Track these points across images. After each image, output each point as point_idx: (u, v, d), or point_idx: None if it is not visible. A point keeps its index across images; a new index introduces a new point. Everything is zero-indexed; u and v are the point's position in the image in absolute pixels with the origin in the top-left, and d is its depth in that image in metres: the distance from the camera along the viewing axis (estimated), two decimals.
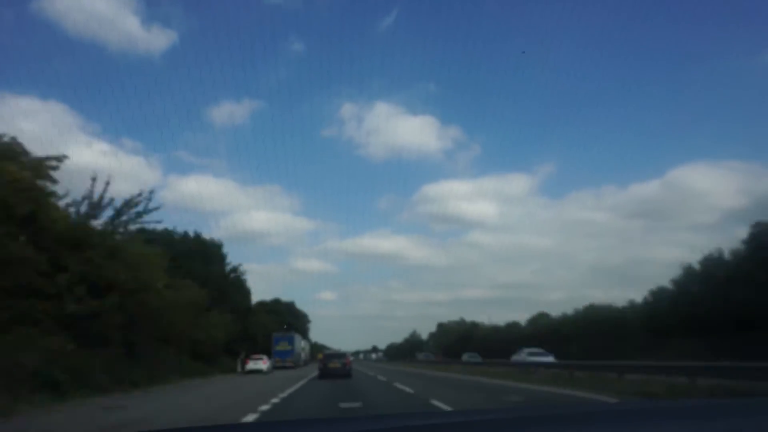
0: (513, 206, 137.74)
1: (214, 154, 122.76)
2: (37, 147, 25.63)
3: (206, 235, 48.48)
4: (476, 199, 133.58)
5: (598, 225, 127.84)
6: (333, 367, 27.45)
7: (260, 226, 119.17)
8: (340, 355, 29.72)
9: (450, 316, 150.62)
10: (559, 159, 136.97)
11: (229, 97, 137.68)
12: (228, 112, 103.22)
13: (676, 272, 37.64)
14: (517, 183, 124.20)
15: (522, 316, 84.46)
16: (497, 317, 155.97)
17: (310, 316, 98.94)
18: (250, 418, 10.33)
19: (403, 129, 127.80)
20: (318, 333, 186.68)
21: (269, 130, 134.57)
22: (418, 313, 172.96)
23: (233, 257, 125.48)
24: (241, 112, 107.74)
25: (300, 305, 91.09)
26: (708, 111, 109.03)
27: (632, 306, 45.16)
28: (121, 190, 62.55)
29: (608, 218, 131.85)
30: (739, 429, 1.73)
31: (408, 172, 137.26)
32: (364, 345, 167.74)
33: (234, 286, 50.40)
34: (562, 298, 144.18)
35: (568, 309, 64.50)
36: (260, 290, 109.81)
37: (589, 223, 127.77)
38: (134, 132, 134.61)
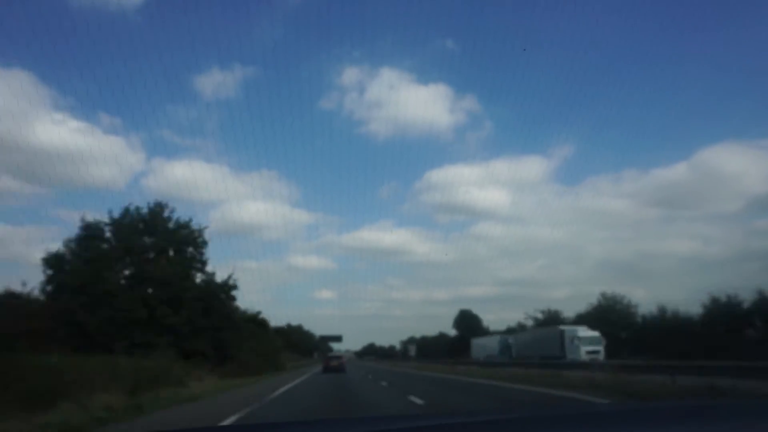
0: (524, 194, 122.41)
1: (204, 134, 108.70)
2: (2, 122, 24.42)
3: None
4: (485, 185, 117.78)
5: (613, 214, 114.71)
6: (333, 365, 40.40)
7: (256, 218, 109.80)
8: (337, 357, 44.91)
9: (450, 315, 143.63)
10: (578, 139, 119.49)
11: (218, 62, 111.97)
12: (217, 81, 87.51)
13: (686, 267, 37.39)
14: (531, 167, 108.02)
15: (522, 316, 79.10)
16: (498, 316, 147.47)
17: (309, 316, 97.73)
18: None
19: (410, 101, 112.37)
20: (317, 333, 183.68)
21: (263, 102, 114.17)
22: (418, 312, 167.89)
23: (227, 253, 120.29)
24: (232, 80, 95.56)
25: (298, 305, 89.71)
26: (746, 83, 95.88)
27: None
28: (102, 176, 55.59)
29: (625, 206, 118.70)
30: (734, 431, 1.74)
31: (412, 154, 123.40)
32: (363, 345, 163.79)
33: None
34: (566, 296, 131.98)
35: (575, 307, 60.43)
36: (257, 289, 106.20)
37: (604, 213, 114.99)
38: (112, 106, 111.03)
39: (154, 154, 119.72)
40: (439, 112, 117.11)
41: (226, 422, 10.23)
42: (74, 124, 76.68)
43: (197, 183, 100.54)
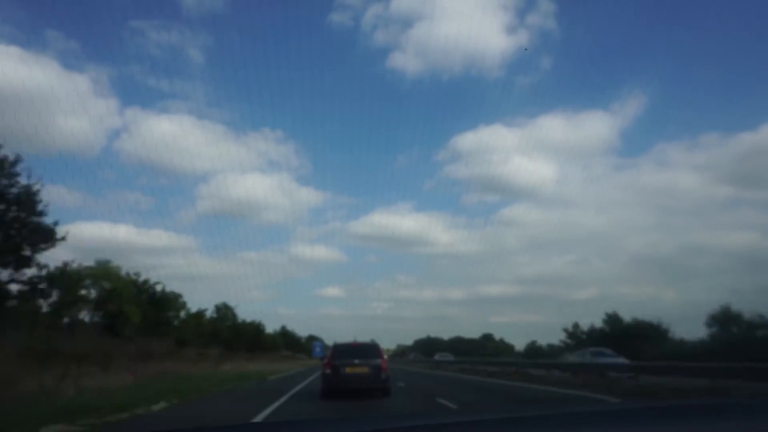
0: (574, 166, 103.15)
1: (187, 72, 79.76)
2: None
3: None
4: (528, 153, 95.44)
5: (673, 194, 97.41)
6: (351, 373, 14.10)
7: (254, 194, 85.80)
8: (365, 351, 14.67)
9: (465, 316, 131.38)
10: (653, 89, 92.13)
11: None
12: None
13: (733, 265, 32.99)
14: (589, 127, 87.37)
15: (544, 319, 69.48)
16: (515, 320, 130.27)
17: (313, 316, 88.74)
18: None
19: (453, 14, 76.93)
20: (321, 336, 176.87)
21: (257, 20, 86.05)
22: (430, 313, 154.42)
23: (216, 240, 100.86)
24: None
25: (301, 304, 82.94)
26: None
27: None
28: (68, 134, 40.34)
29: (691, 183, 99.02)
30: (744, 430, 1.71)
31: (443, 106, 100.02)
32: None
33: None
34: (590, 297, 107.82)
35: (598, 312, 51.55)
36: (258, 285, 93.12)
37: (663, 192, 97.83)
38: (65, 21, 78.14)
39: (128, 101, 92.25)
40: (493, 34, 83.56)
41: None
42: (21, 52, 56.03)
43: (179, 146, 78.44)
